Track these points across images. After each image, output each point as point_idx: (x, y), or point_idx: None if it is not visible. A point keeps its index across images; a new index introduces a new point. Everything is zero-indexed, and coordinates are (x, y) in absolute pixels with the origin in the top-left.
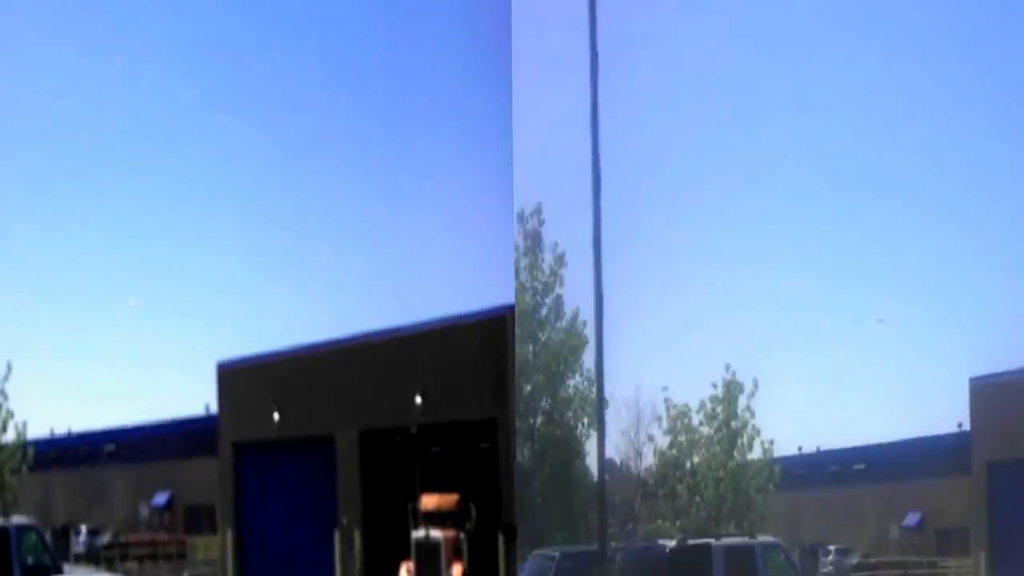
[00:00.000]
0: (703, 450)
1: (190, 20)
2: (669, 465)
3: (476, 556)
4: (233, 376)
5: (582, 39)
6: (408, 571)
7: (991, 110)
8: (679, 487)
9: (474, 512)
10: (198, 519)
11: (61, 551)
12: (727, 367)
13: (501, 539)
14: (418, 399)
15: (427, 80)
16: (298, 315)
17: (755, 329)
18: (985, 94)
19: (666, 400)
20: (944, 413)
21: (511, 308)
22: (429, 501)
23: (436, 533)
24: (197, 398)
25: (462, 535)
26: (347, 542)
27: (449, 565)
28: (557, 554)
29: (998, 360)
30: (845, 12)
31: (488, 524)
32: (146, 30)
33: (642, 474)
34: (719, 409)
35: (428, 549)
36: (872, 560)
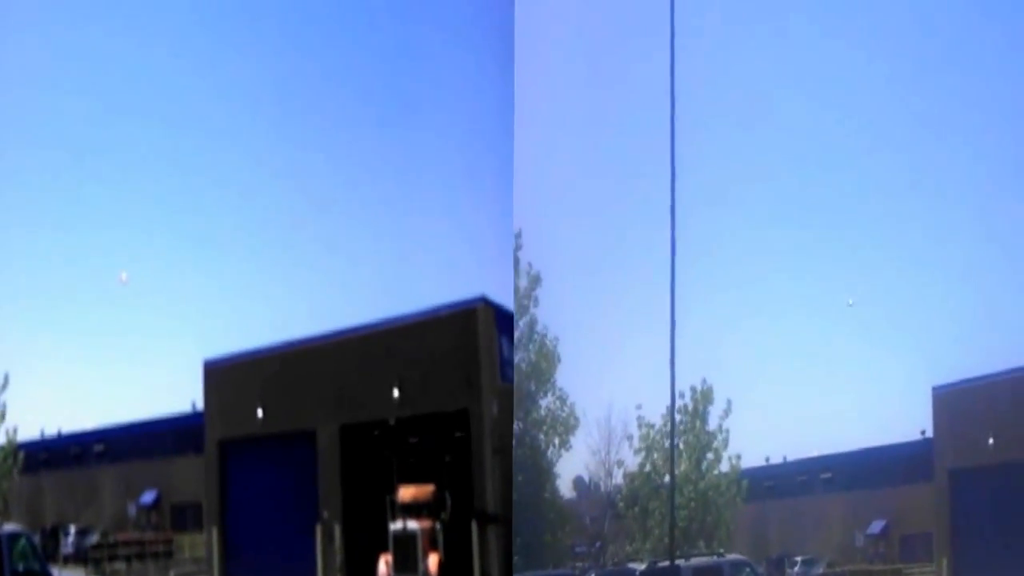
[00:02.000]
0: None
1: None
2: (641, 484)
3: (452, 543)
4: (219, 373)
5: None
6: (387, 564)
7: (960, 119)
8: (652, 504)
9: (449, 502)
10: (184, 517)
11: (50, 552)
12: (701, 381)
13: (475, 526)
14: (395, 392)
15: (424, 86)
16: (280, 313)
17: (723, 345)
18: (958, 99)
19: (639, 418)
20: (907, 421)
21: (482, 300)
22: (406, 493)
23: (413, 525)
24: (184, 396)
25: (438, 525)
26: (328, 536)
27: (426, 555)
28: None
29: (959, 369)
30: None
31: (464, 512)
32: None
33: (612, 493)
34: (689, 422)
35: (405, 541)
36: (838, 569)
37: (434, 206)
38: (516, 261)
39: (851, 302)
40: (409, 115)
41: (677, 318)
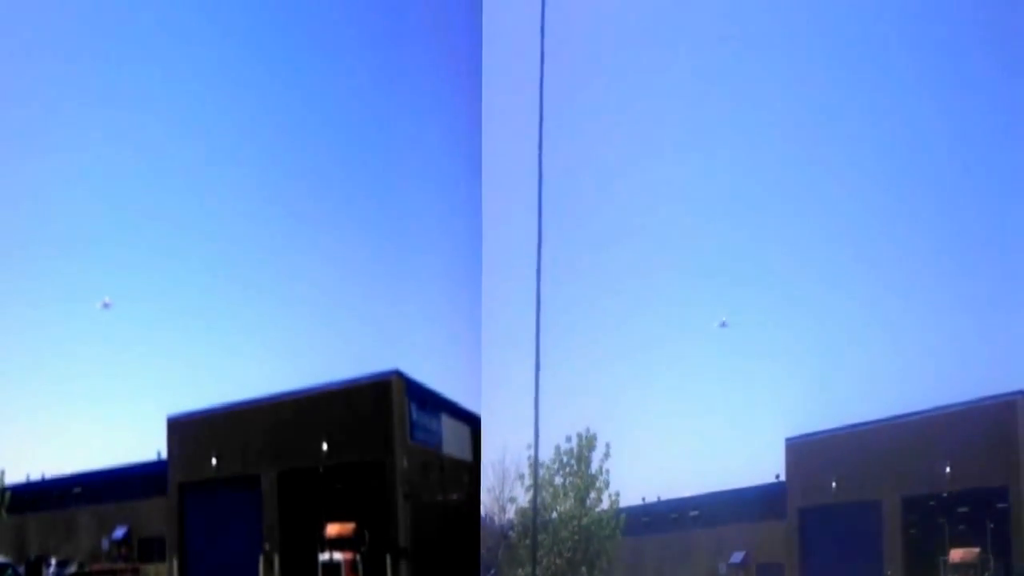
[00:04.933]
0: (560, 504)
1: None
2: (530, 518)
3: (370, 571)
4: (179, 427)
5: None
6: None
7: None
8: (539, 536)
9: (368, 537)
10: (151, 549)
11: None
12: (585, 429)
13: (389, 558)
14: (324, 445)
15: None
16: (231, 377)
17: (606, 397)
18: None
19: (529, 458)
20: (764, 467)
21: (395, 372)
22: (332, 529)
23: (338, 556)
24: (150, 446)
25: (358, 557)
26: (269, 564)
27: None
28: None
29: (807, 424)
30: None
31: (380, 546)
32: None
33: (505, 527)
34: (574, 463)
35: (332, 569)
36: None
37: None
38: None
39: (724, 320)
40: (375, 194)
41: (569, 376)
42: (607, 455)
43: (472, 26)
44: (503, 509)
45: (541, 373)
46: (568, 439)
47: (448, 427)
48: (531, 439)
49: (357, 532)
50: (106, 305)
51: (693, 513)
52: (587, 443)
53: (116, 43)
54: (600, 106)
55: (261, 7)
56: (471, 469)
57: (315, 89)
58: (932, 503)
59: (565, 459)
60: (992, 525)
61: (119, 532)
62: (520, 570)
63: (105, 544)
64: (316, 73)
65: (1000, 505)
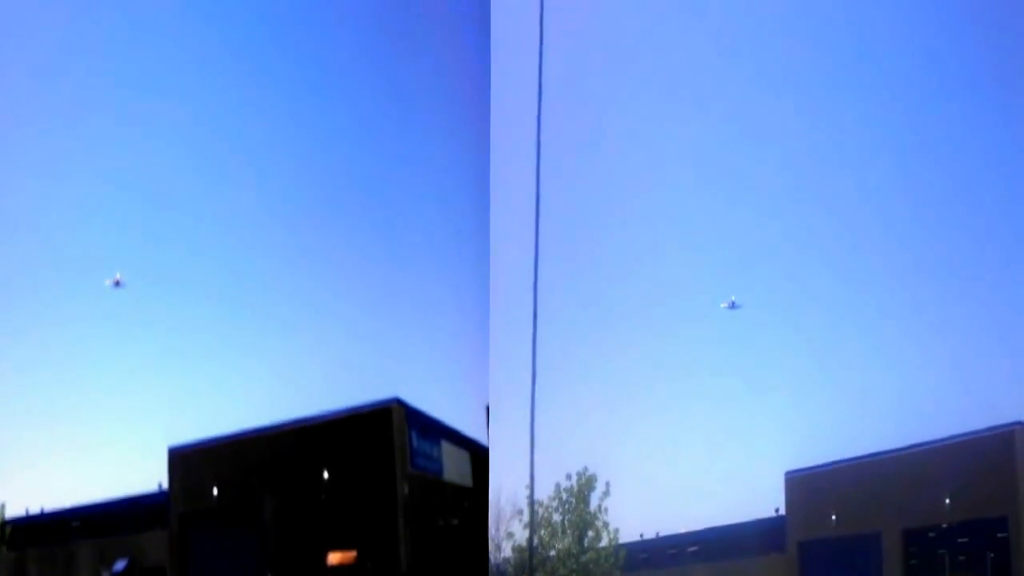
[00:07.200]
0: (558, 542)
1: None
2: (528, 558)
3: None
4: (180, 458)
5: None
6: None
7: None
8: (537, 574)
9: (369, 565)
10: None
11: None
12: (584, 468)
13: None
14: (326, 474)
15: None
16: (231, 407)
17: (605, 436)
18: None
19: (527, 497)
20: (764, 501)
21: (395, 400)
22: (334, 557)
23: None
24: (150, 477)
25: None
26: None
27: None
28: None
29: (806, 457)
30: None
31: (382, 573)
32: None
33: (501, 565)
34: (572, 500)
35: None
36: None
37: (404, 321)
38: None
39: (732, 298)
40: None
41: (564, 413)
42: (607, 493)
43: (480, 37)
44: (499, 548)
45: (541, 411)
46: (568, 477)
47: (448, 454)
48: (527, 480)
49: (359, 560)
50: (117, 283)
51: (692, 548)
52: (586, 482)
53: (108, 41)
54: (610, 113)
55: (265, 13)
56: (472, 495)
57: (318, 115)
58: (932, 534)
59: (565, 496)
60: (992, 555)
61: (120, 565)
62: None
63: None
64: (318, 104)
65: (1000, 535)
